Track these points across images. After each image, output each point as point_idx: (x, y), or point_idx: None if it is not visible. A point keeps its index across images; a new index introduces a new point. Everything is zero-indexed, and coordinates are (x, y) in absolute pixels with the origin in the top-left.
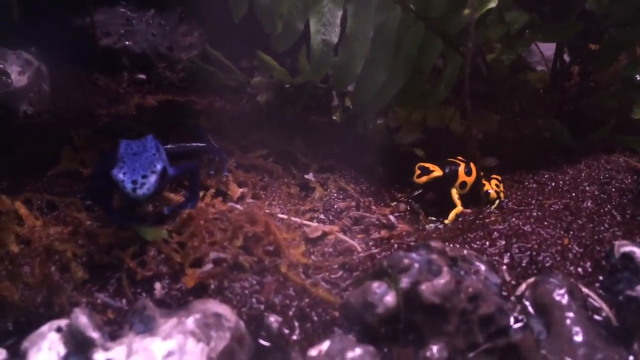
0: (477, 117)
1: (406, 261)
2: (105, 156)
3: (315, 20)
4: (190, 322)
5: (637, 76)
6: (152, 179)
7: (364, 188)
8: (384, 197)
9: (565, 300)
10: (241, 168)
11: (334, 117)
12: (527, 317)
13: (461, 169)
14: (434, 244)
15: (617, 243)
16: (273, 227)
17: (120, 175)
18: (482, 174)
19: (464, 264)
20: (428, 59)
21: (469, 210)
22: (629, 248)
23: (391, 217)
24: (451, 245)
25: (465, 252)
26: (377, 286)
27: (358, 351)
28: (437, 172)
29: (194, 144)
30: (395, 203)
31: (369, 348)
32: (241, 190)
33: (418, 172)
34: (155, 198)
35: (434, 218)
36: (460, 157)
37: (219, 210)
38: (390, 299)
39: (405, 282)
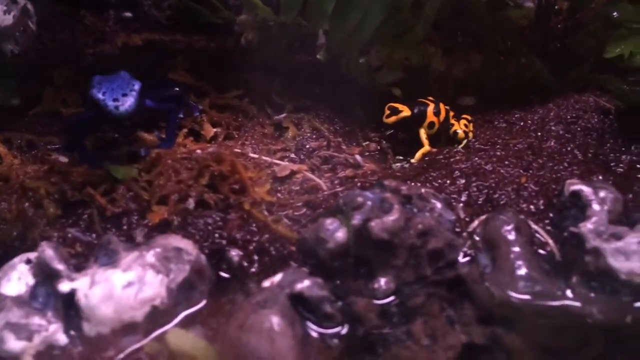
0: (458, 56)
1: (360, 199)
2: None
3: None
4: (150, 255)
5: (615, 13)
6: (132, 96)
7: (338, 128)
8: (357, 137)
9: (511, 235)
10: (216, 108)
11: (318, 57)
12: (476, 252)
13: (430, 109)
14: (387, 182)
15: (567, 182)
16: (239, 166)
17: (100, 95)
18: (452, 113)
19: (419, 201)
20: None
21: (436, 149)
22: (577, 186)
23: (357, 157)
24: (412, 183)
25: (422, 190)
26: (329, 222)
27: (307, 282)
28: (406, 112)
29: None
30: (367, 143)
31: (317, 280)
32: (215, 130)
33: (387, 112)
34: (133, 120)
35: (401, 157)
36: (430, 98)
37: (189, 150)
38: (341, 234)
39: (357, 219)
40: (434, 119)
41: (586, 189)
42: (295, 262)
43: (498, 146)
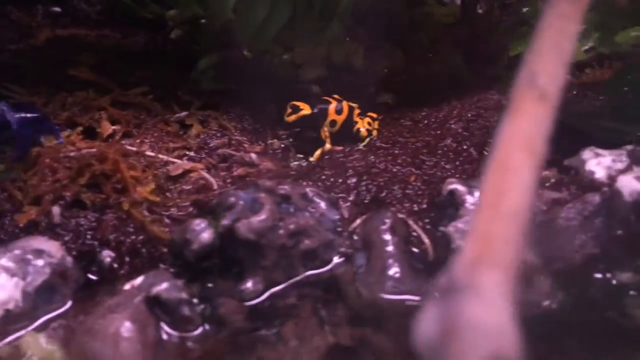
0: (380, 53)
1: (232, 199)
2: None
3: None
4: (5, 258)
5: (524, 9)
6: None
7: (247, 125)
8: (266, 135)
9: (386, 235)
10: (118, 105)
11: (245, 53)
12: (353, 252)
13: (332, 107)
14: (261, 182)
15: (447, 181)
16: (121, 165)
17: None
18: (357, 111)
19: (301, 201)
20: None
21: (339, 148)
22: (453, 186)
23: (253, 155)
24: (303, 182)
25: (307, 189)
26: (197, 223)
27: (165, 285)
28: (306, 110)
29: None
30: (272, 141)
31: (177, 282)
32: (113, 127)
33: (289, 110)
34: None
35: (301, 155)
36: (336, 96)
37: (77, 148)
38: (206, 235)
39: (226, 219)
40: (336, 117)
41: (461, 188)
42: (165, 264)
43: (398, 145)
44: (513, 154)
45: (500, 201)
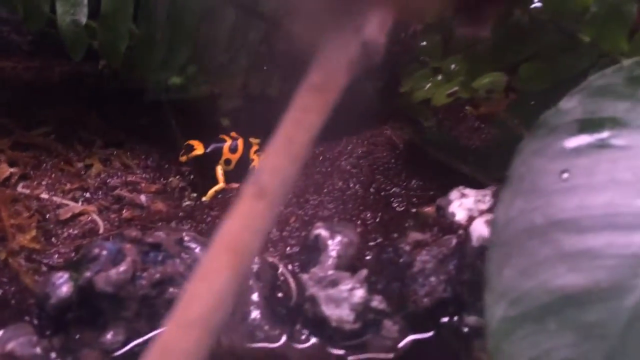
0: (295, 82)
1: (96, 251)
2: None
3: (61, 2)
4: None
5: (423, 42)
6: None
7: (150, 163)
8: (168, 172)
9: (251, 281)
10: (19, 147)
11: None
12: None
13: (226, 146)
14: (127, 232)
15: (315, 224)
16: (2, 214)
17: None
18: (255, 148)
19: (175, 247)
20: (219, 30)
21: (236, 185)
22: (318, 230)
23: (143, 197)
24: (184, 224)
25: (184, 234)
26: (58, 276)
27: (20, 340)
28: (199, 150)
29: None
30: (171, 179)
31: (32, 337)
32: (10, 170)
33: (183, 150)
34: None
35: (195, 195)
36: (233, 133)
37: None
38: (65, 289)
39: (89, 271)
40: (231, 156)
41: (324, 233)
42: (30, 317)
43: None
44: (218, 255)
45: (189, 306)
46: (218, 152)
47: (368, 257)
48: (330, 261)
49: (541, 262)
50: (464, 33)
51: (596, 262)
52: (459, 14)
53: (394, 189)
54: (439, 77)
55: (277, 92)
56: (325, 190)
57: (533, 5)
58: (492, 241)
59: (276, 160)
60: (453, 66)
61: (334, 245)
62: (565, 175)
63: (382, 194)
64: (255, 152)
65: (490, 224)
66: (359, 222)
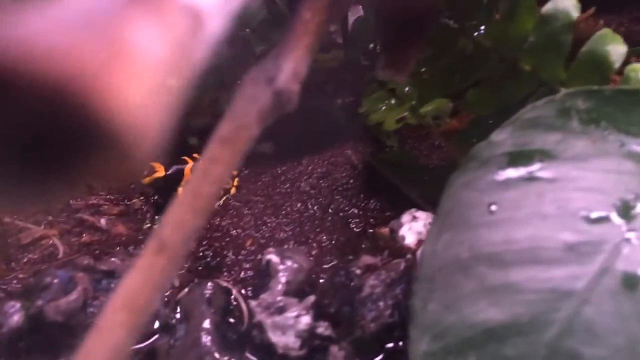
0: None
1: (48, 279)
2: None
3: None
4: None
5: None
6: None
7: (116, 184)
8: (132, 194)
9: (203, 306)
10: None
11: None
12: (175, 323)
13: (188, 168)
14: (79, 260)
15: (267, 250)
16: None
17: None
18: None
19: None
20: None
21: None
22: (269, 255)
23: (102, 221)
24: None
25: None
26: (10, 305)
27: None
28: (160, 172)
29: None
30: (135, 200)
31: None
32: None
33: (146, 172)
34: None
35: (157, 217)
36: (196, 155)
37: None
38: (16, 319)
39: (40, 300)
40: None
41: (275, 259)
42: None
43: (248, 204)
44: (114, 312)
45: None
46: (180, 174)
47: (322, 280)
48: (279, 287)
49: (465, 297)
50: (383, 74)
51: (517, 297)
52: (383, 54)
53: (352, 210)
54: (393, 101)
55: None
56: (284, 212)
57: (477, 33)
58: (418, 275)
59: (180, 214)
60: (407, 89)
61: (283, 271)
62: (493, 208)
63: (341, 214)
64: None
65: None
66: (314, 244)
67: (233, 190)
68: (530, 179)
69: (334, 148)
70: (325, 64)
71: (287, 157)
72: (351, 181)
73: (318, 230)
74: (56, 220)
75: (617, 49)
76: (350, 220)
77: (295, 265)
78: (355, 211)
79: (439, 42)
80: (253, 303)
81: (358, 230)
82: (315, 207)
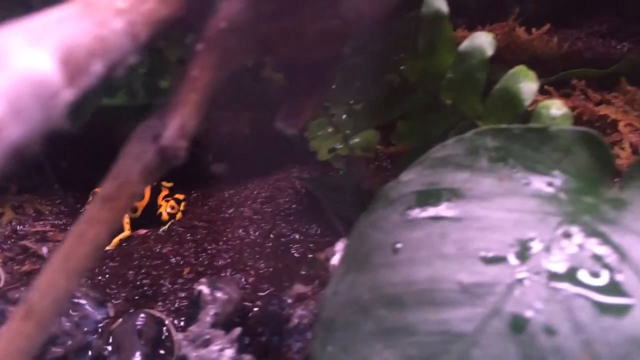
0: (223, 116)
1: None
2: None
3: None
4: None
5: None
6: None
7: (64, 208)
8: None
9: (134, 337)
10: None
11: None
12: (109, 354)
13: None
14: (11, 294)
15: (200, 280)
16: None
17: None
18: (165, 193)
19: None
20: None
21: (144, 231)
22: (200, 286)
23: (44, 249)
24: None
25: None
26: None
27: None
28: None
29: None
30: None
31: None
32: None
33: (90, 198)
34: None
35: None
36: None
37: None
38: None
39: None
40: (136, 203)
41: (205, 290)
42: None
43: (191, 230)
44: None
45: None
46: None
47: (256, 309)
48: (207, 319)
49: (362, 339)
50: (279, 125)
51: (411, 339)
52: (283, 106)
53: (293, 235)
54: (330, 129)
55: (201, 127)
56: (225, 238)
57: (403, 67)
58: (319, 316)
59: (51, 278)
60: (344, 117)
61: (212, 303)
62: (398, 248)
63: (282, 240)
64: (164, 197)
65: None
66: (252, 272)
67: (179, 216)
68: (436, 218)
69: (283, 171)
70: (280, 83)
71: (238, 179)
72: (294, 206)
73: (257, 257)
74: (1, 247)
75: (528, 87)
76: (291, 245)
77: (225, 297)
78: (297, 236)
79: (367, 75)
80: (179, 335)
81: (298, 255)
82: (257, 233)
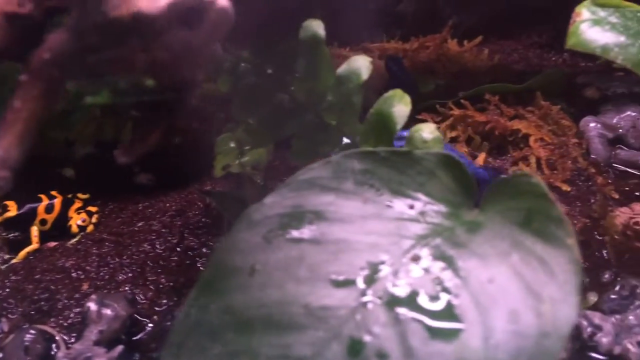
0: (150, 127)
1: None
2: None
3: None
4: None
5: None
6: None
7: None
8: None
9: (21, 354)
10: None
11: None
12: None
13: (41, 207)
14: None
15: (90, 296)
16: None
17: None
18: (77, 205)
19: None
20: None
21: (54, 244)
22: (89, 303)
23: None
24: None
25: None
26: None
27: None
28: (12, 211)
29: None
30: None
31: None
32: None
33: (0, 210)
34: None
35: (8, 256)
36: (54, 192)
37: None
38: None
39: None
40: (47, 216)
41: (93, 306)
42: None
43: (98, 243)
44: None
45: None
46: (33, 213)
47: (152, 325)
48: (92, 336)
49: None
50: (115, 154)
51: None
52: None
53: (201, 249)
54: (232, 144)
55: (130, 137)
56: (129, 252)
57: (293, 87)
58: (167, 340)
59: None
60: (243, 134)
61: (98, 320)
62: (255, 271)
63: (189, 253)
64: (76, 210)
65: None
66: (152, 286)
67: (91, 228)
68: (296, 241)
69: (199, 184)
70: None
71: (157, 190)
72: (203, 219)
73: (159, 271)
74: None
75: (401, 110)
76: (197, 259)
77: (112, 314)
78: (205, 250)
79: (259, 93)
80: (61, 353)
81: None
82: (163, 247)
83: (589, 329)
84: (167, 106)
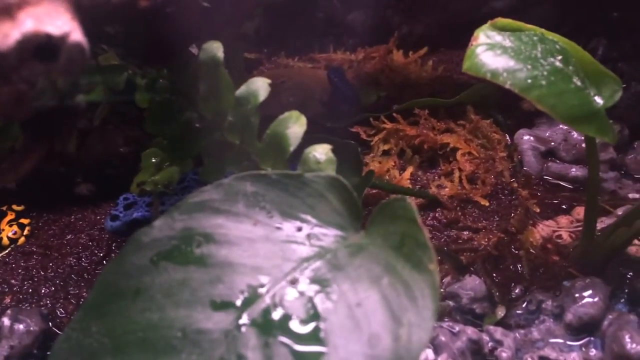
0: (98, 137)
1: None
2: None
3: None
4: None
5: None
6: None
7: None
8: None
9: None
10: None
11: None
12: None
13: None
14: None
15: (6, 312)
16: None
17: None
18: (10, 217)
19: None
20: None
21: None
22: (3, 318)
23: None
24: None
25: None
26: None
27: None
28: None
29: None
30: None
31: None
32: None
33: None
34: None
35: None
36: (14, 206)
37: None
38: None
39: None
40: None
41: (6, 322)
42: None
43: (25, 257)
44: None
45: None
46: None
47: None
48: (3, 351)
49: None
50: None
51: None
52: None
53: None
54: (153, 159)
55: (74, 148)
56: (54, 265)
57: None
58: None
59: None
60: (158, 151)
61: (10, 335)
62: (139, 294)
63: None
64: (9, 222)
65: None
66: (73, 300)
67: (22, 240)
68: (183, 263)
69: None
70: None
71: (95, 202)
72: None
73: (82, 284)
74: None
75: (295, 132)
76: None
77: (24, 329)
78: None
79: (171, 110)
80: None
81: None
82: (89, 260)
83: (490, 344)
84: (47, 131)
